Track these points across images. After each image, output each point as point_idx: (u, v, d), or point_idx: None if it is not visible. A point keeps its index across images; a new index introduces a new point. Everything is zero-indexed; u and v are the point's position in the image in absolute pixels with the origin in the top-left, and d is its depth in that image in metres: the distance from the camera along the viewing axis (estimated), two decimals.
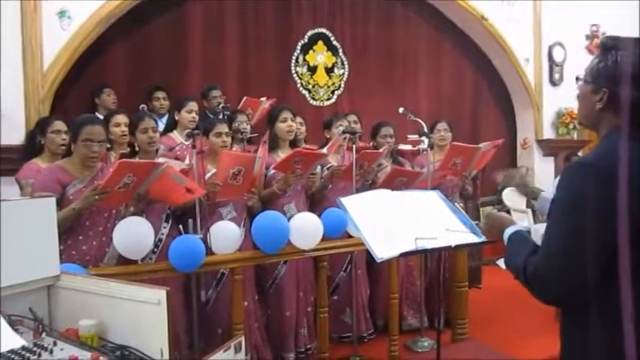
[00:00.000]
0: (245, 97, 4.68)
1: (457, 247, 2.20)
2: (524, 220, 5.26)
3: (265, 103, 4.58)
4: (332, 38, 5.80)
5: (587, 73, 1.40)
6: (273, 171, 3.33)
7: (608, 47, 1.35)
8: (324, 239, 3.06)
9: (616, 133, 1.31)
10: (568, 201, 1.28)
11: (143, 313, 1.34)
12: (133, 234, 2.65)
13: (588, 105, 1.39)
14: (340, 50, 5.84)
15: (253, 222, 2.94)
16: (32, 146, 3.28)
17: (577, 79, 1.45)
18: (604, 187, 1.21)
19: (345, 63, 5.88)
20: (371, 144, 4.07)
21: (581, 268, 1.23)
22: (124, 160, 2.71)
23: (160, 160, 2.84)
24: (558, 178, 1.35)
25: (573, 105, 5.45)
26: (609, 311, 1.23)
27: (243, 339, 1.51)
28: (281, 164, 3.21)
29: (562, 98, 6.46)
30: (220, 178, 2.95)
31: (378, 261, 2.12)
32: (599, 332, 1.26)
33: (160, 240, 2.93)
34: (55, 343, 1.34)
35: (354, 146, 3.41)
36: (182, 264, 2.64)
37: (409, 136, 4.23)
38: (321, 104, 5.78)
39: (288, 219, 3.05)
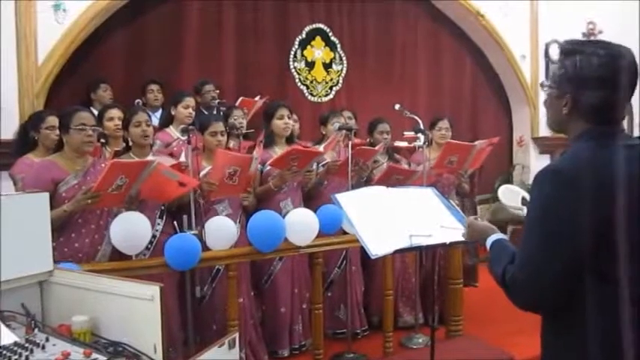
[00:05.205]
0: (241, 98, 4.65)
1: (451, 244, 2.21)
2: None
3: (259, 102, 4.57)
4: (330, 34, 5.78)
5: (550, 79, 1.40)
6: (269, 167, 3.32)
7: (567, 52, 1.35)
8: (319, 236, 3.05)
9: (583, 138, 1.33)
10: (538, 208, 1.30)
11: (136, 309, 1.34)
12: (131, 229, 2.65)
13: (555, 110, 1.39)
14: (338, 46, 5.83)
15: (249, 222, 2.92)
16: (24, 141, 3.26)
17: (542, 85, 1.47)
18: (572, 193, 1.23)
19: (344, 59, 5.86)
20: (367, 140, 4.07)
21: (552, 275, 1.25)
22: (115, 160, 2.70)
23: (151, 157, 2.82)
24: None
25: None
26: (585, 316, 1.25)
27: (237, 335, 1.51)
28: (277, 161, 3.20)
29: None
30: (216, 177, 2.93)
31: (373, 257, 2.12)
32: (576, 337, 1.29)
33: (154, 236, 2.91)
34: (47, 339, 1.33)
35: (349, 142, 3.41)
36: (177, 262, 2.64)
37: (405, 132, 4.21)
38: (319, 100, 5.76)
39: (284, 215, 3.04)
